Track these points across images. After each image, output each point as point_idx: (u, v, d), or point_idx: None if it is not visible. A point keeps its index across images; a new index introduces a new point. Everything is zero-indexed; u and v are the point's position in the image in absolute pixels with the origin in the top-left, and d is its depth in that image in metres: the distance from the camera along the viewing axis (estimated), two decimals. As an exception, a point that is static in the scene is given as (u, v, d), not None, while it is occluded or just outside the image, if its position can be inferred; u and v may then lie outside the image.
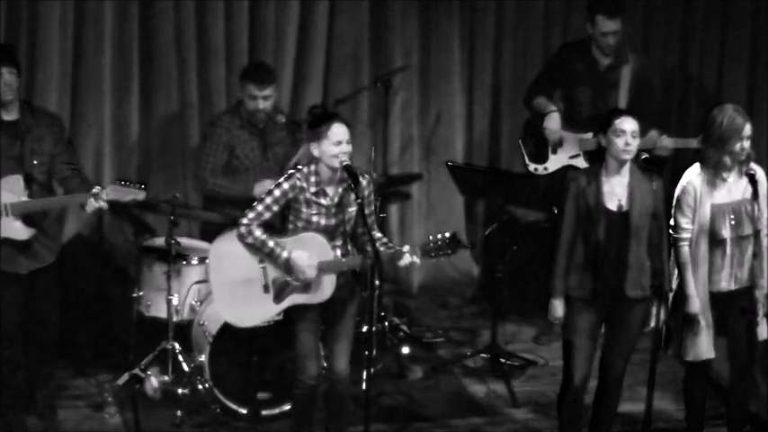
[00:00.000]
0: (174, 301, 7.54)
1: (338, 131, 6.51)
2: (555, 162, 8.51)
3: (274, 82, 7.97)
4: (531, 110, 8.64)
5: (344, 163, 6.50)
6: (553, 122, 8.46)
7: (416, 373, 8.18)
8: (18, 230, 6.86)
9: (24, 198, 6.84)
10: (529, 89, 8.72)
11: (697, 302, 6.75)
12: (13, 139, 6.87)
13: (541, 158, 8.54)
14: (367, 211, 6.61)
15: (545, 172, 8.50)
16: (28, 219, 6.88)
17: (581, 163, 8.36)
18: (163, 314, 7.61)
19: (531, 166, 8.55)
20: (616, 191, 6.66)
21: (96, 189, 6.79)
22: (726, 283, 6.81)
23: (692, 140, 7.50)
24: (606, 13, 8.35)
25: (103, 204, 6.78)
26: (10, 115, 6.90)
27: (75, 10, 8.49)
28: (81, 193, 6.86)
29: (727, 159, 6.71)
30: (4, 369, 7.06)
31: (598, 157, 6.71)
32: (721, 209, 6.74)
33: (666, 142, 8.21)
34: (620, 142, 6.59)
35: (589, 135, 8.25)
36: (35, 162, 6.89)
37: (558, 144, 8.48)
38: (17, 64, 6.94)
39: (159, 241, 7.80)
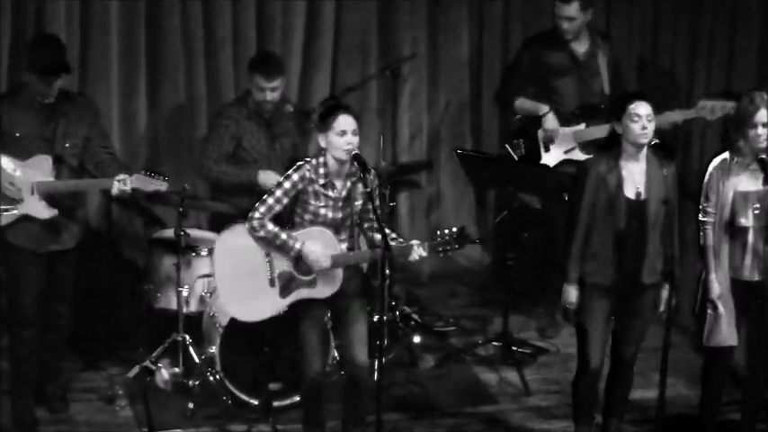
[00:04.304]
0: (184, 292, 7.53)
1: (343, 122, 6.49)
2: (550, 159, 8.42)
3: (283, 74, 7.93)
4: (512, 112, 8.55)
5: (354, 152, 6.48)
6: (552, 122, 8.36)
7: (428, 362, 8.17)
8: (40, 210, 6.91)
9: (51, 179, 6.89)
10: (503, 91, 8.64)
11: (716, 287, 6.69)
12: (47, 121, 6.92)
13: (535, 159, 8.45)
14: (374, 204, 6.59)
15: None
16: (51, 199, 6.92)
17: (578, 155, 8.24)
18: (173, 306, 7.61)
19: None
20: (634, 178, 6.60)
21: (122, 176, 6.85)
22: (748, 273, 6.72)
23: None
24: None
25: (128, 189, 6.85)
26: (47, 99, 6.96)
27: (82, 3, 8.47)
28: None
29: (743, 144, 6.66)
30: (20, 351, 7.09)
31: (609, 144, 6.67)
32: (744, 196, 6.67)
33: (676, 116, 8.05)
34: (636, 127, 6.52)
35: (582, 126, 8.26)
36: (67, 145, 6.95)
37: (550, 141, 8.41)
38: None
39: (168, 233, 7.79)
